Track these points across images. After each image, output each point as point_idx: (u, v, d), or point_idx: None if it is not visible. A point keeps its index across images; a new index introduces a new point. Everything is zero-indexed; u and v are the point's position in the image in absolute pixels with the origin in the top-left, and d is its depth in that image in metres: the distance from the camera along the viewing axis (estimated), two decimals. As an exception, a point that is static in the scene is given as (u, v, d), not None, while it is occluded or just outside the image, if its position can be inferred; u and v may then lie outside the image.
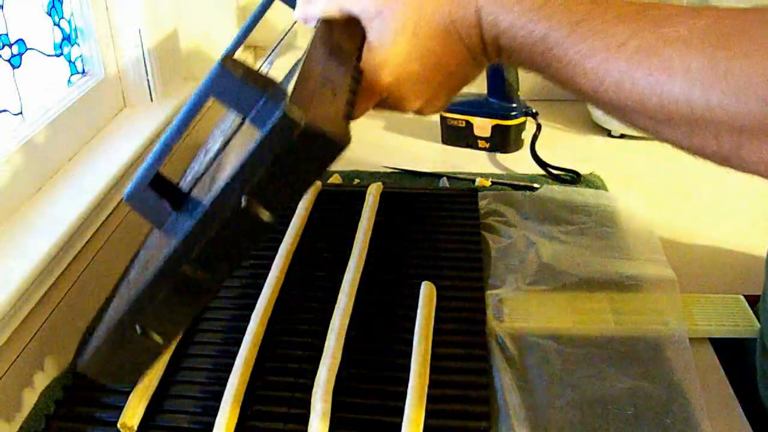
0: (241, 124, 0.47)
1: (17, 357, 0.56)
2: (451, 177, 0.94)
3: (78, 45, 0.84)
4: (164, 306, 0.45)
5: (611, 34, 0.42)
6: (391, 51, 0.49)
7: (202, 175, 0.50)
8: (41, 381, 0.60)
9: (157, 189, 0.47)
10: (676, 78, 0.39)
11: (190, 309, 0.48)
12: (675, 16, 0.40)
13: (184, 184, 0.50)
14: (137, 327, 0.46)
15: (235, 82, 0.42)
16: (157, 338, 0.47)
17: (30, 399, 0.58)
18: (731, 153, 0.39)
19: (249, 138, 0.42)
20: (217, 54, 0.73)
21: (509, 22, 0.46)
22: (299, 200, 0.41)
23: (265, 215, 0.41)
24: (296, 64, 0.56)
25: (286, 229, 0.76)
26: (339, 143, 0.38)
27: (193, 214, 0.43)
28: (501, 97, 1.02)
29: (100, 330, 0.50)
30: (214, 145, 0.52)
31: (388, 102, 0.53)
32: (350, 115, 0.43)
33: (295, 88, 0.39)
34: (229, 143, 0.49)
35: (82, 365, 0.50)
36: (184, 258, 0.43)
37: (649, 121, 0.43)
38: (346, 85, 0.47)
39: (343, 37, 0.53)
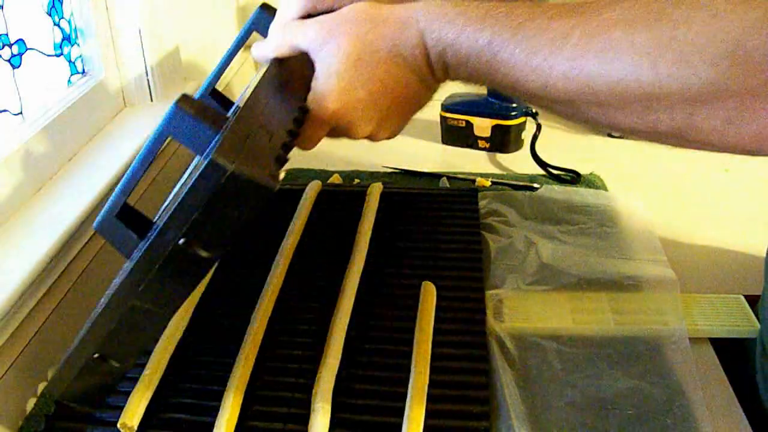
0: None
1: (17, 357, 0.56)
2: (451, 177, 0.94)
3: (78, 45, 0.84)
4: (118, 334, 0.48)
5: (554, 29, 0.43)
6: (336, 79, 0.51)
7: (166, 209, 0.52)
8: (42, 381, 0.60)
9: (124, 220, 0.51)
10: (622, 56, 0.39)
11: (143, 336, 0.50)
12: (614, 2, 0.41)
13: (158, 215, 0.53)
14: (94, 354, 0.49)
15: (190, 122, 0.45)
16: (115, 363, 0.50)
17: (30, 399, 0.58)
18: (684, 125, 0.39)
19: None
20: (217, 54, 0.73)
21: (454, 34, 0.47)
22: (237, 238, 0.46)
23: (204, 253, 0.43)
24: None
25: (286, 229, 0.76)
26: (266, 188, 0.41)
27: (140, 249, 0.45)
28: (501, 97, 1.02)
29: (65, 354, 0.52)
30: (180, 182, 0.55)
31: (338, 129, 0.54)
32: (283, 158, 0.45)
33: (227, 134, 0.42)
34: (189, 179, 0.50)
35: (48, 388, 0.52)
36: (132, 291, 0.45)
37: (600, 110, 0.43)
38: (285, 126, 0.49)
39: (295, 73, 0.55)
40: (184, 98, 0.46)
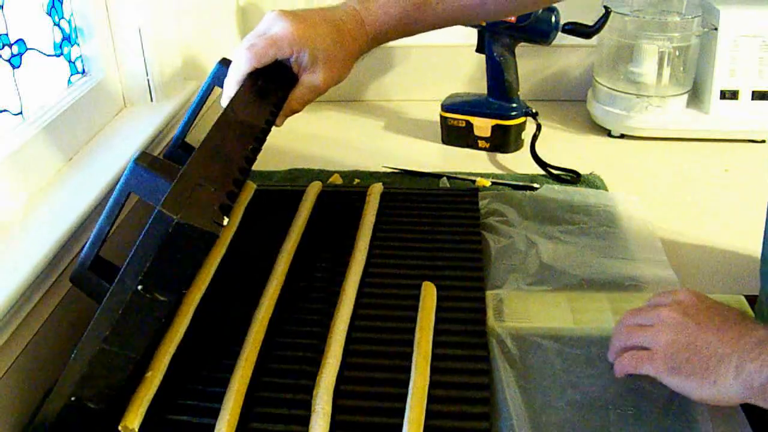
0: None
1: (17, 357, 0.56)
2: (451, 177, 0.94)
3: (78, 45, 0.84)
4: (90, 378, 0.51)
5: None
6: (323, 68, 0.67)
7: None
8: (42, 381, 0.60)
9: (96, 270, 0.56)
10: None
11: (115, 378, 0.53)
12: None
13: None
14: (71, 398, 0.51)
15: (147, 176, 0.50)
16: (91, 405, 0.52)
17: (32, 400, 0.58)
18: None
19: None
20: (217, 54, 0.74)
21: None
22: (192, 281, 0.53)
23: (161, 297, 0.47)
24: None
25: (287, 230, 0.76)
26: (210, 235, 0.45)
27: (102, 297, 0.48)
28: (501, 97, 1.02)
29: (51, 395, 0.54)
30: None
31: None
32: (227, 206, 0.49)
33: (174, 187, 0.46)
34: None
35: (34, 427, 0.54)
36: (98, 336, 0.49)
37: None
38: (237, 163, 0.54)
39: (268, 80, 0.65)
40: (143, 155, 0.51)
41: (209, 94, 0.73)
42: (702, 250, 0.80)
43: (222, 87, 0.70)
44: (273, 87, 0.66)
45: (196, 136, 0.69)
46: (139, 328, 0.50)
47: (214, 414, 0.55)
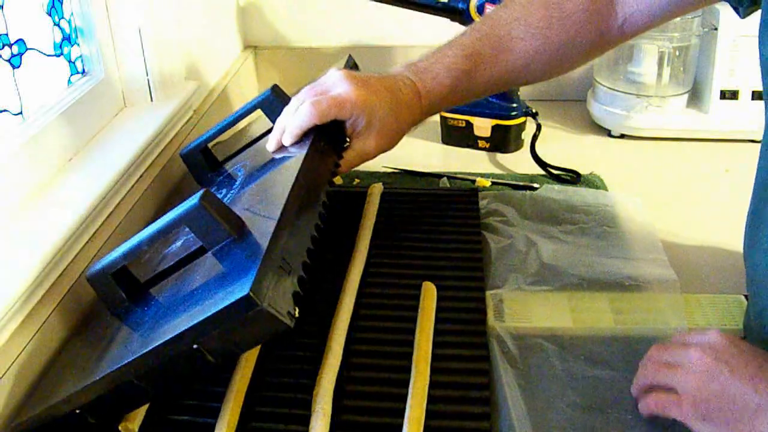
0: (203, 251, 0.55)
1: (17, 357, 0.56)
2: (451, 177, 0.94)
3: (78, 45, 0.84)
4: (105, 399, 0.51)
5: None
6: (376, 135, 0.67)
7: (160, 275, 0.58)
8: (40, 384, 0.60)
9: (118, 280, 0.56)
10: None
11: (128, 405, 0.54)
12: None
13: (141, 268, 0.58)
14: (76, 410, 0.52)
15: (209, 219, 0.51)
16: (91, 420, 0.53)
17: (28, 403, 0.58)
18: None
19: (207, 267, 0.52)
20: (217, 54, 0.74)
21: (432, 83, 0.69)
22: (244, 353, 0.57)
23: (211, 359, 0.49)
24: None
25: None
26: (284, 326, 0.46)
27: (147, 336, 0.50)
28: (501, 97, 1.02)
29: (39, 395, 0.56)
30: (175, 245, 0.60)
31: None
32: (299, 295, 0.50)
33: (260, 269, 0.46)
34: (187, 260, 0.57)
35: (17, 425, 0.55)
36: (133, 371, 0.50)
37: None
38: (304, 245, 0.55)
39: (326, 141, 0.65)
40: (207, 195, 0.51)
41: (249, 114, 0.74)
42: (702, 250, 0.80)
43: (267, 113, 0.72)
44: (330, 150, 0.66)
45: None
46: (177, 376, 0.52)
47: (215, 413, 0.55)
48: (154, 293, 0.56)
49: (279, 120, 0.67)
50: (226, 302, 0.45)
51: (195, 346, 0.47)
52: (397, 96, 0.67)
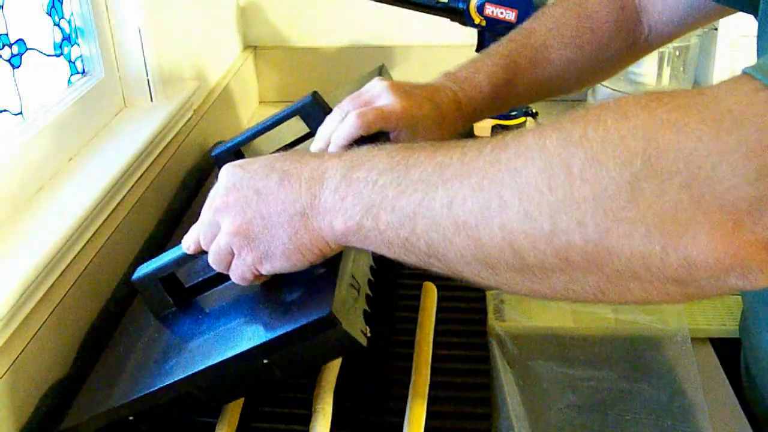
0: None
1: (17, 357, 0.56)
2: (451, 177, 0.94)
3: (78, 45, 0.84)
4: (161, 409, 0.52)
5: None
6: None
7: (206, 282, 0.57)
8: (42, 381, 0.60)
9: (165, 284, 0.56)
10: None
11: (183, 415, 0.54)
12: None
13: (181, 272, 0.57)
14: (130, 417, 0.52)
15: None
16: (143, 427, 0.53)
17: (31, 400, 0.58)
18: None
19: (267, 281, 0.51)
20: (217, 54, 0.74)
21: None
22: (312, 369, 0.56)
23: (279, 374, 0.48)
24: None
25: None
26: (358, 344, 0.46)
27: (212, 348, 0.49)
28: (501, 97, 1.02)
29: (86, 401, 0.56)
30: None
31: None
32: (368, 314, 0.50)
33: (339, 287, 0.46)
34: None
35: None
36: (194, 383, 0.49)
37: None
38: (366, 264, 0.55)
39: None
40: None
41: (287, 119, 0.73)
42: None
43: (306, 120, 0.71)
44: None
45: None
46: (238, 389, 0.52)
47: (215, 413, 0.55)
48: (202, 302, 0.56)
49: (322, 129, 0.66)
50: (304, 321, 0.44)
51: (265, 361, 0.47)
52: (440, 107, 0.67)
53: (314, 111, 0.70)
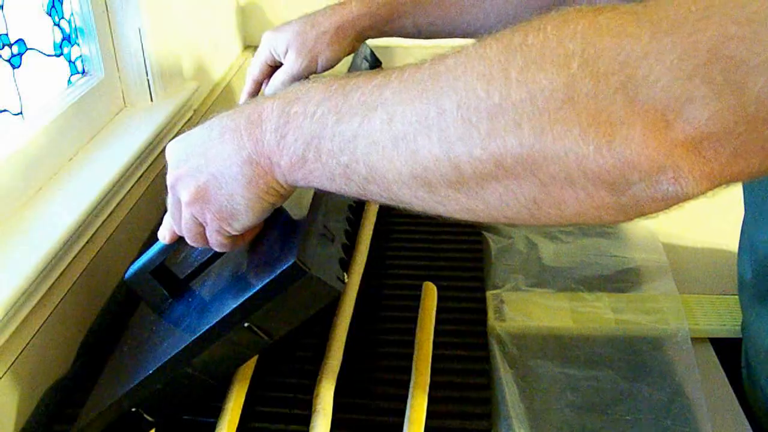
0: None
1: (17, 357, 0.56)
2: (451, 177, 0.94)
3: (78, 45, 0.84)
4: (161, 394, 0.51)
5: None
6: None
7: (199, 267, 0.56)
8: (42, 381, 0.60)
9: (158, 277, 0.55)
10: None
11: (184, 399, 0.53)
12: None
13: (177, 267, 0.57)
14: (132, 408, 0.52)
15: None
16: (148, 417, 0.53)
17: (32, 400, 0.58)
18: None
19: (247, 249, 0.50)
20: (217, 54, 0.74)
21: None
22: (296, 326, 0.52)
23: (264, 337, 0.48)
24: None
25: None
26: (333, 290, 0.45)
27: (196, 324, 0.49)
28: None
29: (94, 402, 0.55)
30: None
31: None
32: (345, 262, 0.49)
33: (305, 235, 0.45)
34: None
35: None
36: (187, 360, 0.49)
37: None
38: (343, 216, 0.54)
39: None
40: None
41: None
42: (702, 250, 0.80)
43: None
44: None
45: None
46: (230, 360, 0.51)
47: (215, 412, 0.55)
48: (195, 287, 0.55)
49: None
50: (273, 274, 0.44)
51: (246, 324, 0.46)
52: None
53: None
